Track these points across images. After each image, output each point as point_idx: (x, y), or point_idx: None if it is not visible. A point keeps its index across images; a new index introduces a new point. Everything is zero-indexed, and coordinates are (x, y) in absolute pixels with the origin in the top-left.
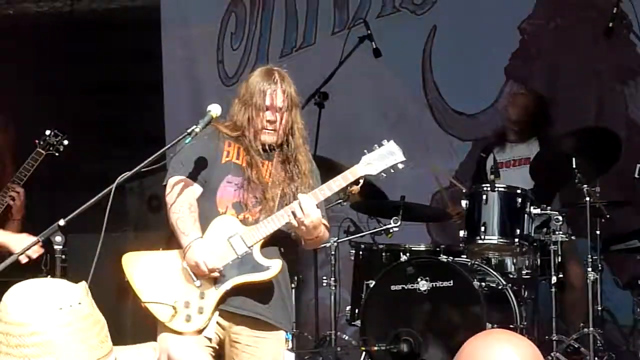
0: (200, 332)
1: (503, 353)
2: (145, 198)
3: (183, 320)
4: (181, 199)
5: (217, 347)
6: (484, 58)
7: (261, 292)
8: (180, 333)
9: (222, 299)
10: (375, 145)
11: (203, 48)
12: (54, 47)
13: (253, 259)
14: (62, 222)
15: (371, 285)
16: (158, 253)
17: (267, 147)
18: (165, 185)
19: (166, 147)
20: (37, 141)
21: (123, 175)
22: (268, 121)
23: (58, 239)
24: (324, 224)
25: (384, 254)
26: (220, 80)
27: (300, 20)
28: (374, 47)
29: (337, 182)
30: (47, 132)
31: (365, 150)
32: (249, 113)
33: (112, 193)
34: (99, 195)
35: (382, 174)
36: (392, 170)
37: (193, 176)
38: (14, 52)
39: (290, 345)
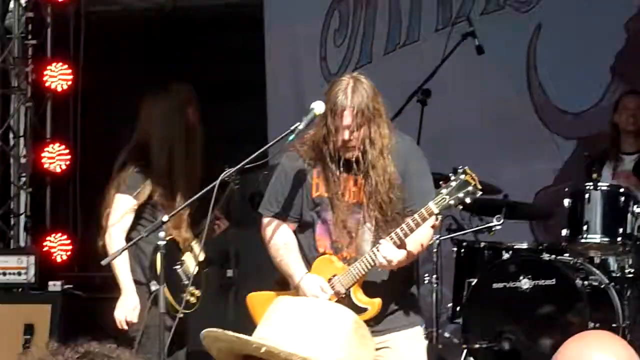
0: None
1: (600, 356)
2: (248, 195)
3: None
4: (276, 242)
5: None
6: (589, 56)
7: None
8: None
9: None
10: (450, 175)
11: (306, 45)
12: (155, 44)
13: (352, 302)
14: (165, 218)
15: (473, 283)
16: (279, 294)
17: (353, 162)
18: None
19: (269, 144)
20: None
21: (226, 171)
22: (343, 140)
23: (161, 234)
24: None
25: (486, 251)
26: (323, 77)
27: (404, 17)
28: (477, 44)
29: (415, 222)
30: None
31: (442, 183)
32: (324, 131)
33: (215, 189)
34: (202, 191)
35: (459, 206)
36: (468, 201)
37: (285, 213)
38: (117, 49)
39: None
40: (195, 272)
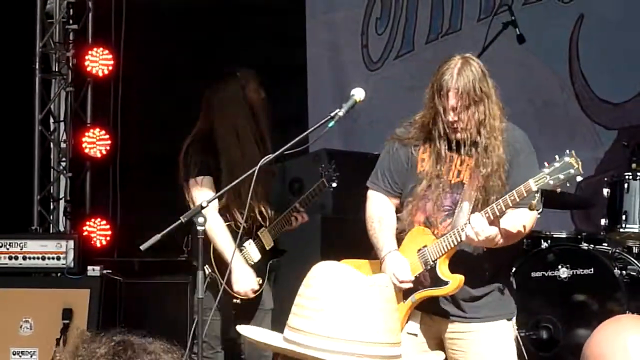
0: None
1: (633, 342)
2: (287, 181)
3: None
4: (372, 215)
5: (430, 340)
6: (631, 47)
7: (469, 291)
8: None
9: (417, 308)
10: (556, 156)
11: (348, 32)
12: (196, 29)
13: (435, 273)
14: (204, 204)
15: (512, 272)
16: (367, 262)
17: (461, 143)
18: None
19: (308, 130)
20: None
21: (266, 157)
22: (448, 121)
23: (201, 220)
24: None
25: (525, 240)
26: (364, 64)
27: (447, 5)
28: (518, 33)
29: (512, 197)
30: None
31: (546, 163)
32: (433, 113)
33: (255, 175)
34: (243, 176)
35: (558, 188)
36: (569, 184)
37: (391, 188)
38: (160, 35)
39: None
40: (257, 260)
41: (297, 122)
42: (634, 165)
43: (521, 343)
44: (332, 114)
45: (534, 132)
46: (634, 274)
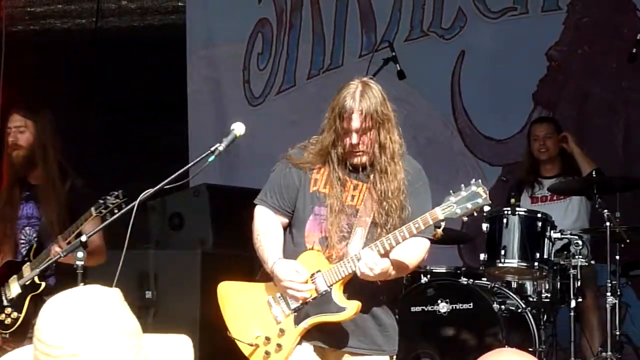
0: None
1: None
2: (167, 215)
3: (261, 356)
4: (258, 229)
5: None
6: (512, 84)
7: (355, 323)
8: None
9: (304, 337)
10: (462, 185)
11: (229, 68)
12: (76, 64)
13: (331, 299)
14: (84, 238)
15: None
16: (249, 285)
17: (359, 168)
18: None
19: (188, 165)
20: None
21: (145, 192)
22: (351, 144)
23: (80, 254)
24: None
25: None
26: (246, 100)
27: (328, 41)
28: (398, 69)
29: (417, 225)
30: (109, 197)
31: (452, 191)
32: (333, 136)
33: (134, 210)
34: (121, 211)
35: (464, 217)
36: (475, 214)
37: (279, 205)
38: (39, 68)
39: None
40: (15, 295)
41: (178, 157)
42: (512, 201)
43: None
44: (212, 149)
45: None
46: (513, 308)
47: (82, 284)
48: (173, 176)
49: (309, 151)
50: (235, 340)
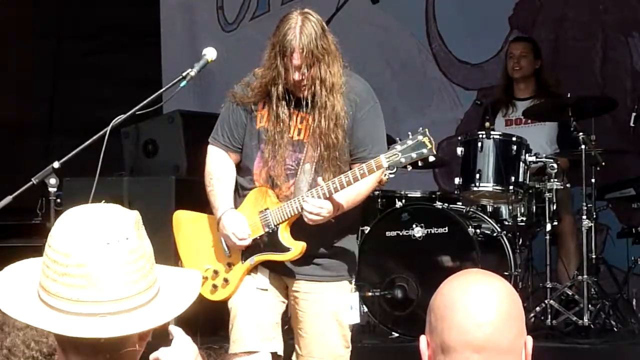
0: (225, 302)
1: (479, 291)
2: (141, 142)
3: (209, 290)
4: (211, 172)
5: (281, 292)
6: (488, 8)
7: (308, 253)
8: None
9: (248, 272)
10: (409, 133)
11: None
12: None
13: (277, 238)
14: (56, 165)
15: (366, 231)
16: (204, 216)
17: (305, 100)
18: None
19: (161, 90)
20: None
21: (118, 118)
22: (294, 80)
23: (52, 181)
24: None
25: (379, 200)
26: (220, 26)
27: None
28: None
29: (362, 172)
30: None
31: (399, 139)
32: (274, 73)
33: (106, 136)
34: (93, 138)
35: (409, 166)
36: (420, 163)
37: (230, 144)
38: None
39: (354, 290)
40: None
41: (151, 83)
42: (487, 124)
43: (362, 304)
44: (184, 74)
45: (392, 94)
46: (488, 232)
47: (54, 210)
48: (145, 102)
49: (251, 87)
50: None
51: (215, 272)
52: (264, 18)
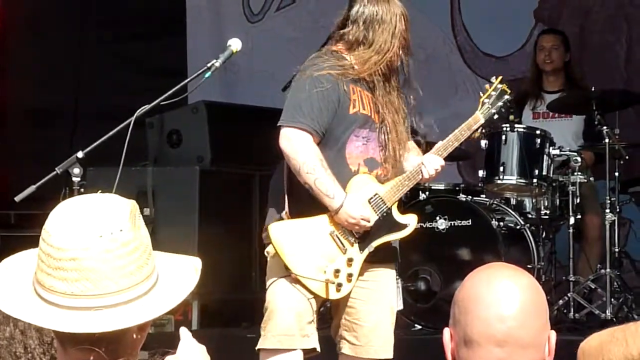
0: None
1: (503, 285)
2: (166, 132)
3: (334, 290)
4: (312, 157)
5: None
6: (513, 1)
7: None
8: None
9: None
10: (487, 85)
11: None
12: None
13: (392, 218)
14: (80, 154)
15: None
16: (303, 221)
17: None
18: (280, 129)
19: (186, 81)
20: None
21: (142, 108)
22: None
23: (76, 170)
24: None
25: None
26: (245, 16)
27: None
28: None
29: (463, 132)
30: None
31: (481, 93)
32: (397, 45)
33: (130, 126)
34: (118, 127)
35: (496, 115)
36: (503, 110)
37: (319, 128)
38: None
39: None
40: None
41: (176, 74)
42: (511, 117)
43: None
44: (209, 65)
45: (418, 85)
46: (512, 225)
47: None
48: (170, 92)
49: (347, 66)
50: (302, 279)
51: (337, 270)
52: (290, 9)
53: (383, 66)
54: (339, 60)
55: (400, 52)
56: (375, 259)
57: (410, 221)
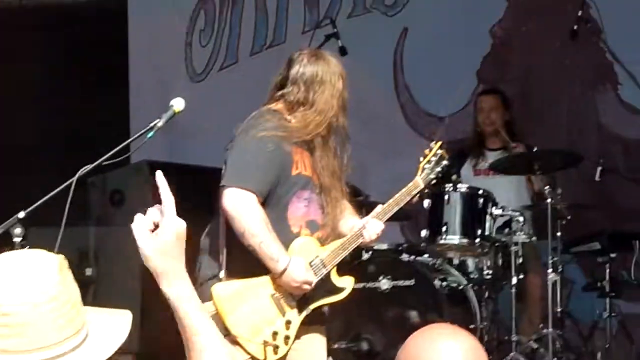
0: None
1: (445, 347)
2: (108, 192)
3: (271, 352)
4: (257, 219)
5: None
6: (456, 61)
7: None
8: None
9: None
10: (426, 150)
11: (171, 44)
12: (10, 40)
13: (331, 281)
14: (21, 214)
15: None
16: (245, 282)
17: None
18: (223, 187)
19: (128, 140)
20: None
21: (84, 167)
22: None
23: (17, 231)
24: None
25: None
26: (188, 76)
27: (271, 17)
28: (340, 45)
29: (403, 197)
30: None
31: (421, 158)
32: (336, 107)
33: (73, 185)
34: (60, 187)
35: (435, 180)
36: (442, 176)
37: (265, 190)
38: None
39: None
40: None
41: (119, 133)
42: (453, 177)
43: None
44: (151, 125)
45: (361, 145)
46: (454, 285)
47: None
48: (112, 152)
49: (290, 128)
50: (241, 340)
51: (275, 333)
52: (233, 68)
53: (323, 128)
54: (282, 121)
55: (339, 112)
56: (309, 321)
57: (347, 284)
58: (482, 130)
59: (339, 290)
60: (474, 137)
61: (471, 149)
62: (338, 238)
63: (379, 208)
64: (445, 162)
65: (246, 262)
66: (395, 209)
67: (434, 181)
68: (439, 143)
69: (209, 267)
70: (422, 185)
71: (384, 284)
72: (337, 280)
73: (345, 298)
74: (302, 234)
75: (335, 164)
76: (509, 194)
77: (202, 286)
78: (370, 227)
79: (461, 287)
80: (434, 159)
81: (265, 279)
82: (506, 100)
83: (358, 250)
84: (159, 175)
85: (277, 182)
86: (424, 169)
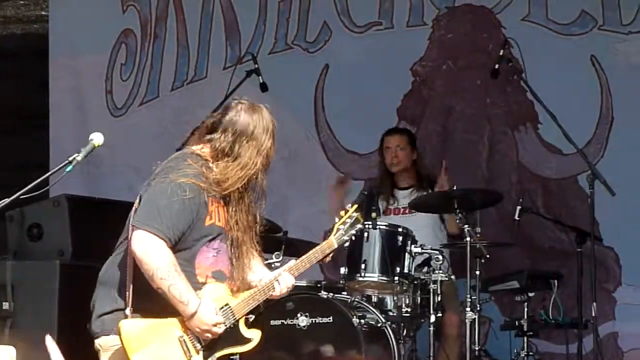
0: None
1: None
2: (26, 226)
3: None
4: (167, 262)
5: None
6: (377, 98)
7: None
8: None
9: None
10: (342, 212)
11: (92, 78)
12: None
13: (239, 331)
14: None
15: (250, 320)
16: (153, 322)
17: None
18: (134, 227)
19: (46, 174)
20: None
21: (2, 201)
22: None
23: None
24: None
25: None
26: (108, 110)
27: (192, 53)
28: (261, 81)
29: (316, 255)
30: None
31: (336, 219)
32: (265, 162)
33: None
34: None
35: (348, 242)
36: (354, 237)
37: (175, 238)
38: None
39: None
40: None
41: (38, 166)
42: (373, 215)
43: None
44: (70, 159)
45: (283, 182)
46: (373, 322)
47: None
48: (30, 186)
49: (209, 180)
50: None
51: None
52: (153, 103)
53: (242, 184)
54: (204, 169)
55: (261, 171)
56: None
57: (254, 336)
58: (389, 169)
59: (246, 340)
60: (382, 177)
61: (381, 190)
62: (247, 289)
63: (291, 262)
64: (359, 226)
65: (154, 301)
66: (308, 266)
67: (347, 243)
68: (355, 206)
69: (107, 300)
70: (336, 246)
71: (302, 320)
72: (245, 330)
73: (270, 333)
74: (209, 283)
75: (249, 220)
76: (425, 232)
77: (99, 319)
78: (282, 281)
79: (379, 325)
80: (349, 221)
81: (174, 321)
82: (413, 140)
83: None
84: (49, 340)
85: (189, 230)
86: (338, 229)
